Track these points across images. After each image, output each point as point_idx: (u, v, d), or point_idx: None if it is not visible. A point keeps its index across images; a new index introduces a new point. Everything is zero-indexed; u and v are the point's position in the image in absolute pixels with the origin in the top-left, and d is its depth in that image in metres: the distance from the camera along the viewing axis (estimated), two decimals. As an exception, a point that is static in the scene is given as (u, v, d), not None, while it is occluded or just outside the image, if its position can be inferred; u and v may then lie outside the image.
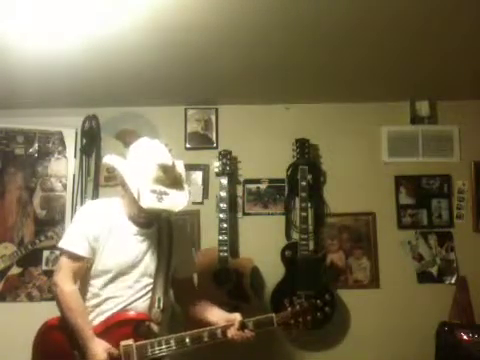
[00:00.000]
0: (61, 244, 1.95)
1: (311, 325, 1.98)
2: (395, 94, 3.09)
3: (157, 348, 1.83)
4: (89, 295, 1.94)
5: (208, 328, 1.88)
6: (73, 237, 1.93)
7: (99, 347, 1.81)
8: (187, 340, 1.85)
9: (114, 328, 1.87)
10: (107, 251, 1.92)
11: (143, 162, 1.84)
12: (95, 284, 1.94)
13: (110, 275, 1.92)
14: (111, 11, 1.98)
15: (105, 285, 1.92)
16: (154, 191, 1.79)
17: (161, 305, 1.92)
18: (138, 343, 1.83)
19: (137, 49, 2.35)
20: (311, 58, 2.52)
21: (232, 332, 1.88)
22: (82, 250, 1.90)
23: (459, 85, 2.95)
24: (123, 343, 1.81)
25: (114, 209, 2.00)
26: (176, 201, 1.84)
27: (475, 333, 2.61)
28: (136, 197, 1.78)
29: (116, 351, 1.81)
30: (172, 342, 1.84)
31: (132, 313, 1.89)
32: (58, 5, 1.92)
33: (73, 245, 1.91)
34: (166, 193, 1.81)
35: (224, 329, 1.89)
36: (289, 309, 1.94)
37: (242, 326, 1.89)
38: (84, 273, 1.96)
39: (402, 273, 3.08)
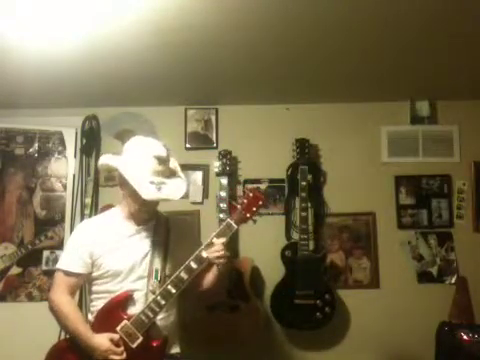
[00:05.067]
0: (57, 264, 2.03)
1: (267, 204, 1.93)
2: (395, 94, 3.09)
3: (150, 313, 1.86)
4: (102, 301, 1.97)
5: (183, 266, 1.89)
6: (66, 255, 2.01)
7: (99, 339, 1.86)
8: (170, 288, 1.88)
9: (105, 319, 1.91)
10: (109, 258, 1.97)
11: (140, 156, 1.91)
12: (106, 289, 1.97)
13: (118, 278, 1.96)
14: (111, 11, 1.98)
15: (114, 286, 1.96)
16: (153, 182, 1.86)
17: (158, 276, 1.95)
18: (132, 319, 1.87)
19: (137, 49, 2.35)
20: (311, 58, 2.51)
21: (205, 254, 1.88)
22: (74, 267, 1.97)
23: (459, 85, 2.95)
24: (118, 328, 1.86)
25: (107, 220, 2.06)
26: (175, 190, 1.92)
27: (475, 333, 2.60)
28: (137, 189, 1.84)
29: (116, 335, 1.85)
30: (159, 298, 1.87)
31: (112, 297, 1.94)
32: (58, 5, 1.92)
33: (66, 263, 1.99)
34: (164, 183, 1.89)
35: (197, 257, 1.89)
36: (238, 206, 1.93)
37: (209, 245, 1.90)
38: (80, 286, 2.07)
39: (402, 273, 3.08)
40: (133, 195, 1.92)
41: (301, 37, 2.26)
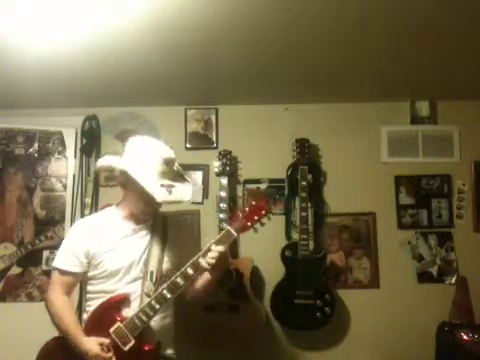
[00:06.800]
0: (53, 262, 2.03)
1: (271, 211, 1.91)
2: (395, 94, 3.09)
3: (143, 316, 1.85)
4: (98, 301, 1.96)
5: (180, 271, 1.87)
6: (62, 255, 2.00)
7: (90, 344, 1.84)
8: (165, 292, 1.86)
9: (99, 319, 1.90)
10: (106, 258, 1.95)
11: (148, 158, 1.89)
12: (102, 289, 1.96)
13: (115, 278, 1.95)
14: (111, 11, 1.98)
15: (109, 286, 1.95)
16: (163, 185, 1.86)
17: (153, 278, 1.94)
18: (125, 321, 1.85)
19: (137, 49, 2.35)
20: (311, 58, 2.51)
21: (202, 261, 1.84)
22: (69, 266, 1.97)
23: (459, 85, 2.95)
24: (112, 330, 1.85)
25: (105, 219, 2.05)
26: (183, 192, 1.93)
27: (475, 333, 2.61)
28: (150, 192, 1.82)
29: (107, 340, 1.84)
30: (154, 302, 1.85)
31: (107, 298, 1.92)
32: (58, 6, 1.92)
33: (61, 262, 1.98)
34: (173, 186, 1.89)
35: (194, 263, 1.86)
36: (240, 214, 1.89)
37: (207, 253, 1.86)
38: (76, 285, 2.06)
39: (402, 273, 3.08)
40: (139, 196, 1.91)
41: (301, 37, 2.26)
